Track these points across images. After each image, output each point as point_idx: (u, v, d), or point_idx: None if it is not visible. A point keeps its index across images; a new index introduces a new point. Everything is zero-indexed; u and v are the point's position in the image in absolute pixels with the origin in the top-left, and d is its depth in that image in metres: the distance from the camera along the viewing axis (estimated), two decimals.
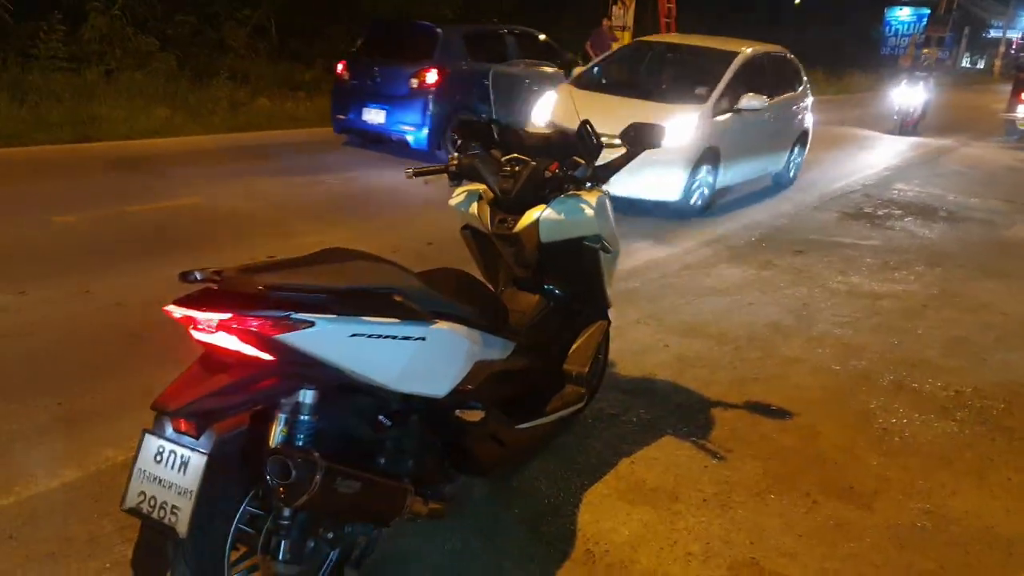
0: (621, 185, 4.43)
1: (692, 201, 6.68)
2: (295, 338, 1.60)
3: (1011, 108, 14.36)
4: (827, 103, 18.66)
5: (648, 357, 3.77)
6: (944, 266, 5.66)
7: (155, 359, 3.33)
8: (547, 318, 2.68)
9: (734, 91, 6.92)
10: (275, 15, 15.09)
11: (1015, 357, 4.01)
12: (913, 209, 7.69)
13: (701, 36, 8.41)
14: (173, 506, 1.60)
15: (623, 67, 8.53)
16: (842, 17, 37.37)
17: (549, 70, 9.69)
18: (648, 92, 7.17)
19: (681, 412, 3.25)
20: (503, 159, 2.71)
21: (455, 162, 2.69)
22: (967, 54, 52.26)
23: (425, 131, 8.54)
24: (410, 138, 8.63)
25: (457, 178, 2.73)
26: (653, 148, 2.75)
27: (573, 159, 2.65)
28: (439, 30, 8.95)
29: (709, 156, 6.76)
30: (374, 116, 8.85)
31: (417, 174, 2.82)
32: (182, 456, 1.61)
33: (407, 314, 1.83)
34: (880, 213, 7.44)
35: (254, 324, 1.57)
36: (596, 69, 8.19)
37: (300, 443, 1.72)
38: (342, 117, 9.25)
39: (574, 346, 2.80)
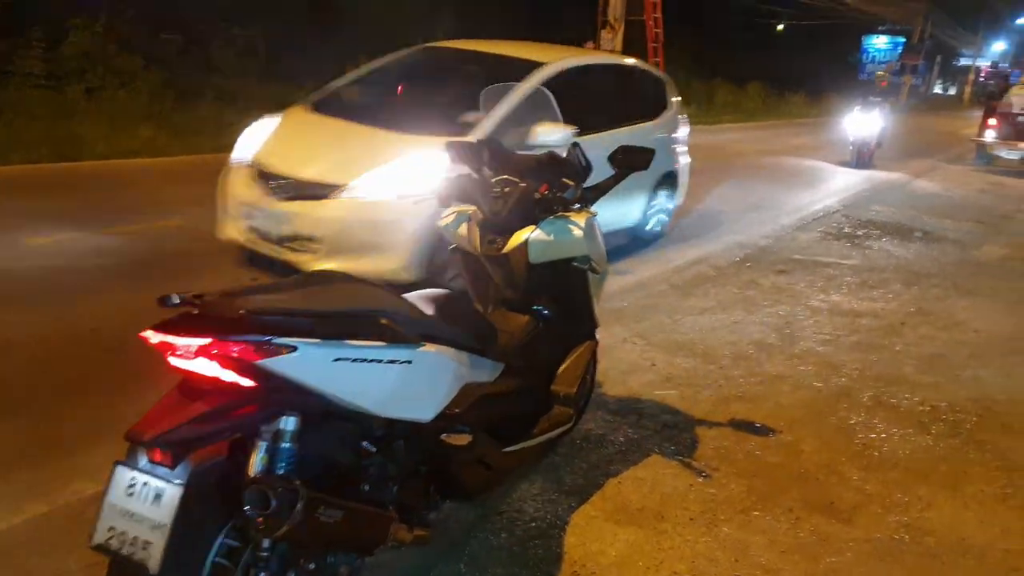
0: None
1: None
2: (277, 363, 1.56)
3: (981, 133, 14.68)
4: (801, 125, 18.96)
5: (635, 376, 3.82)
6: (920, 285, 5.77)
7: (130, 387, 3.31)
8: (536, 339, 2.68)
9: (523, 118, 4.86)
10: (265, 35, 15.13)
11: (986, 373, 4.10)
12: (889, 229, 7.84)
13: (513, 42, 6.20)
14: (145, 541, 1.53)
15: (387, 83, 6.36)
16: (822, 44, 38.04)
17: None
18: (394, 118, 4.87)
19: (667, 431, 3.29)
20: (493, 180, 2.75)
21: (445, 183, 2.72)
22: (939, 81, 53.33)
23: None
24: None
25: (447, 199, 2.75)
26: (642, 170, 2.81)
27: (562, 181, 2.68)
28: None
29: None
30: None
31: (405, 197, 2.84)
32: (156, 488, 1.55)
33: (393, 337, 1.79)
34: (859, 233, 7.58)
35: (235, 349, 1.53)
36: (351, 84, 6.23)
37: (281, 471, 1.66)
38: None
39: (562, 367, 2.80)
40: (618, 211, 5.95)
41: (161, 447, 1.53)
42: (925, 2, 38.82)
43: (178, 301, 1.51)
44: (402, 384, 1.83)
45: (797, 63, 30.72)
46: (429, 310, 2.07)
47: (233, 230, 4.86)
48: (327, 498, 1.70)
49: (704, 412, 3.48)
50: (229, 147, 4.94)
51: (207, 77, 13.56)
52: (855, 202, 9.37)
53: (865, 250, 6.89)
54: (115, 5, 12.20)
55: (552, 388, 2.75)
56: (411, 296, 2.23)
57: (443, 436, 2.22)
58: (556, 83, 5.17)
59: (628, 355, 4.08)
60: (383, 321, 1.78)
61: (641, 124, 6.15)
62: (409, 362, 1.84)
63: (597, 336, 3.03)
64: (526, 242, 2.60)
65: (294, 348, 1.59)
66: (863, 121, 12.81)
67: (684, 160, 6.90)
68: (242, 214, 4.73)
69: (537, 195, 2.62)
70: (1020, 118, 13.63)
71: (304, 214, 4.31)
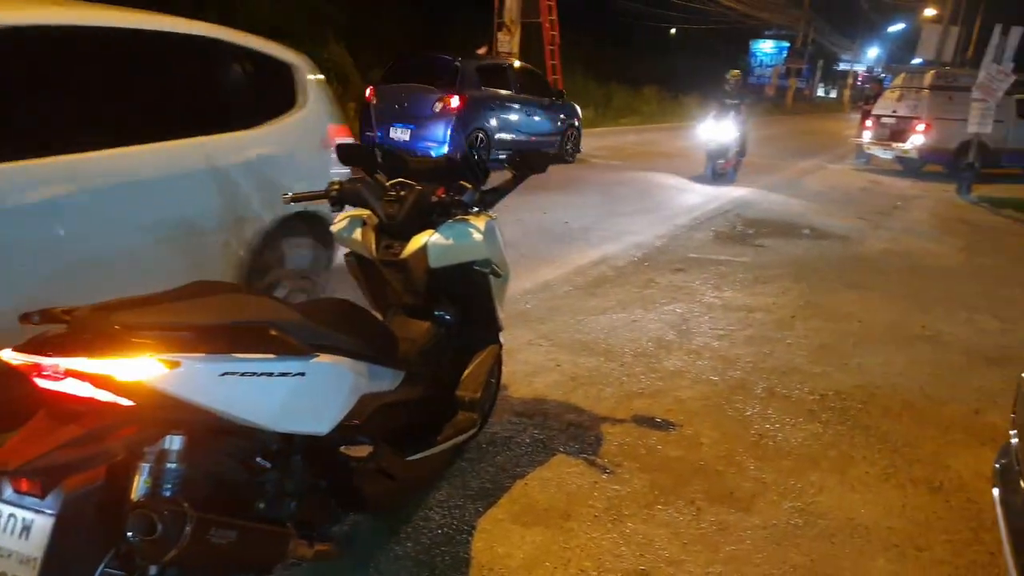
0: None
1: None
2: (159, 381, 1.47)
3: (860, 134, 15.59)
4: (693, 128, 19.52)
5: (540, 377, 3.85)
6: (809, 280, 6.05)
7: None
8: (438, 345, 2.65)
9: None
10: None
11: (870, 361, 4.33)
12: (779, 228, 8.19)
13: None
14: None
15: None
16: (714, 48, 39.50)
17: (545, 100, 12.32)
18: None
19: (572, 430, 3.32)
20: (388, 184, 2.70)
21: (337, 186, 2.64)
22: (821, 84, 56.28)
23: (446, 147, 9.92)
24: (434, 153, 9.79)
25: (339, 203, 2.66)
26: (540, 173, 2.82)
27: (459, 184, 2.67)
28: (458, 63, 10.64)
29: None
30: (400, 134, 10.30)
31: (296, 199, 2.75)
32: (24, 519, 1.45)
33: (284, 349, 1.71)
34: (750, 231, 7.89)
35: (110, 368, 1.43)
36: None
37: (167, 494, 1.58)
38: (370, 134, 10.49)
39: (466, 372, 2.78)
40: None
41: (28, 476, 1.42)
42: (807, 9, 40.89)
43: (44, 318, 1.44)
44: (295, 397, 1.76)
45: (690, 66, 31.82)
46: (324, 319, 2.00)
47: None
48: (218, 518, 1.62)
49: (607, 409, 3.53)
50: None
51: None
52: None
53: (756, 248, 7.18)
54: None
55: (456, 393, 2.73)
56: (305, 305, 2.17)
57: (342, 448, 2.17)
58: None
59: (533, 357, 4.10)
60: (273, 332, 1.70)
61: (206, 137, 3.44)
62: (302, 374, 1.77)
63: (501, 339, 3.03)
64: (425, 246, 2.56)
65: (177, 364, 1.50)
66: (718, 129, 11.34)
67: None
68: None
69: (434, 198, 2.59)
70: (890, 120, 14.52)
71: None
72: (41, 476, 1.43)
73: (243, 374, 1.62)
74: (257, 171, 3.62)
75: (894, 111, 14.51)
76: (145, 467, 1.58)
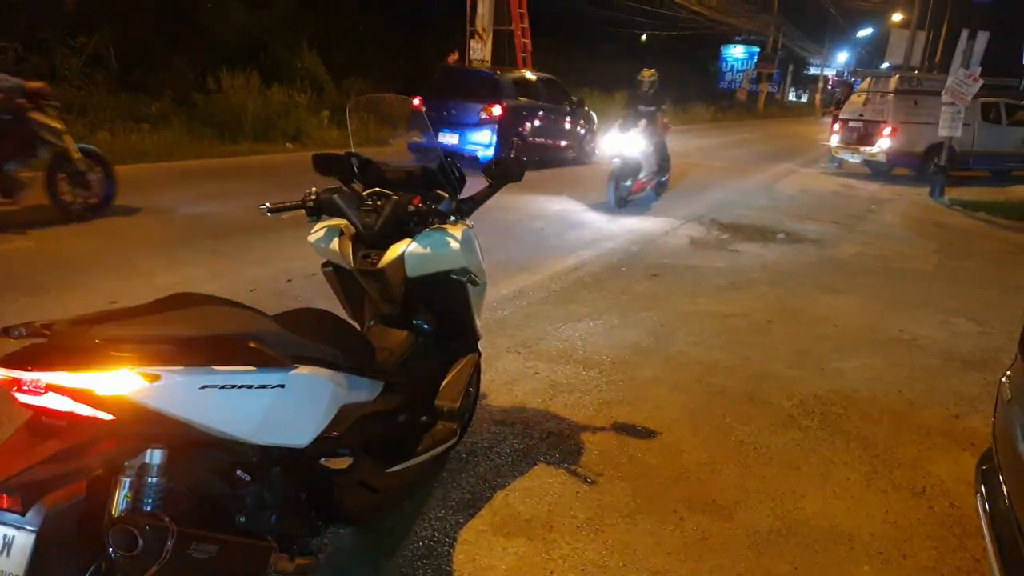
0: None
1: None
2: (139, 394, 1.47)
3: (830, 138, 15.79)
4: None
5: (519, 386, 3.81)
6: (784, 284, 6.08)
7: None
8: (416, 354, 2.63)
9: None
10: (114, 44, 14.32)
11: (848, 365, 4.35)
12: (754, 233, 8.24)
13: None
14: None
15: None
16: (684, 53, 39.78)
17: (566, 107, 13.79)
18: None
19: (552, 439, 3.30)
20: (364, 193, 2.68)
21: (313, 197, 2.62)
22: (792, 89, 57.01)
23: (492, 150, 11.55)
24: (480, 154, 11.39)
25: (315, 213, 2.64)
26: (516, 181, 2.80)
27: (436, 192, 2.65)
28: (498, 77, 12.50)
29: None
30: (448, 139, 11.62)
31: (273, 210, 2.72)
32: (5, 536, 1.43)
33: (263, 361, 1.71)
34: (725, 236, 7.93)
35: (90, 382, 1.43)
36: None
37: (148, 508, 1.57)
38: (417, 140, 11.02)
39: (445, 381, 2.76)
40: None
41: (8, 492, 1.41)
42: (776, 15, 41.40)
43: (25, 332, 1.42)
44: (275, 409, 1.75)
45: (662, 72, 31.98)
46: (302, 330, 1.97)
47: None
48: (199, 533, 1.61)
49: (587, 418, 3.51)
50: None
51: (52, 87, 12.68)
52: None
53: (732, 253, 7.21)
54: None
55: (435, 403, 2.71)
56: (282, 316, 2.13)
57: (322, 460, 2.15)
58: None
59: (511, 365, 4.07)
60: (252, 344, 1.70)
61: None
62: (281, 386, 1.76)
63: (480, 348, 3.00)
64: (402, 256, 2.54)
65: (157, 377, 1.50)
66: (623, 143, 9.13)
67: None
68: None
69: (411, 208, 2.57)
70: (857, 124, 14.71)
71: None
72: (22, 492, 1.42)
73: (223, 387, 1.62)
74: None
75: (860, 115, 14.70)
76: (126, 481, 1.57)
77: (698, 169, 13.92)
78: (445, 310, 2.77)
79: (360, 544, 2.51)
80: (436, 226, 2.62)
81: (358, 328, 2.75)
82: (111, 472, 1.57)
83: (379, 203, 2.60)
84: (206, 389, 1.59)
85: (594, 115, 14.80)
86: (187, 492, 1.72)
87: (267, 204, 2.72)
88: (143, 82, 14.70)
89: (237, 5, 18.02)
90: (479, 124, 11.67)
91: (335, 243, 2.64)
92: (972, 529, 2.75)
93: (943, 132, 11.53)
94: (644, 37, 39.52)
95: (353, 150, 2.76)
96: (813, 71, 58.40)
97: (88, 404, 1.46)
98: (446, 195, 2.65)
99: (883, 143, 13.98)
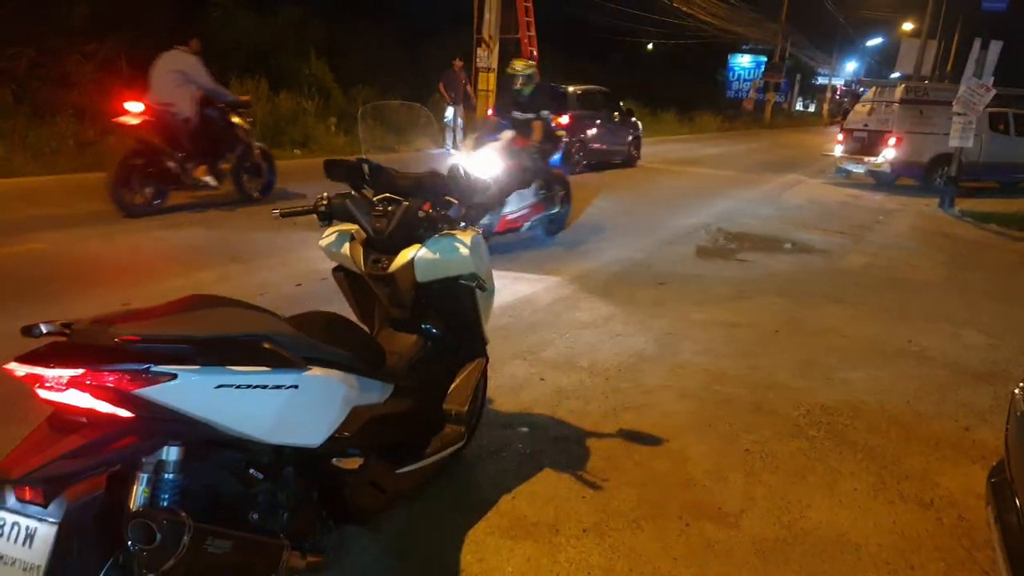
0: None
1: None
2: (156, 392, 1.52)
3: (834, 148, 15.74)
4: (672, 142, 19.78)
5: (525, 392, 3.83)
6: (792, 294, 6.08)
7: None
8: (425, 358, 2.66)
9: None
10: (124, 50, 14.42)
11: (856, 375, 4.35)
12: (762, 243, 8.25)
13: None
14: None
15: None
16: (690, 63, 39.84)
17: (617, 114, 15.56)
18: None
19: (559, 444, 3.31)
20: (375, 199, 2.71)
21: (325, 202, 2.65)
22: (800, 98, 56.98)
23: (559, 154, 12.29)
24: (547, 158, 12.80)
25: (327, 218, 2.67)
26: (523, 188, 2.82)
27: (446, 199, 2.67)
28: (564, 90, 14.13)
29: None
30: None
31: (285, 214, 2.76)
32: (27, 528, 1.47)
33: (277, 362, 1.75)
34: (732, 246, 7.93)
35: (110, 379, 1.47)
36: None
37: (165, 503, 1.61)
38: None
39: (453, 385, 2.79)
40: None
41: (31, 485, 1.46)
42: (784, 24, 41.42)
43: (46, 331, 1.46)
44: (288, 409, 1.79)
45: (667, 81, 32.05)
46: (314, 332, 2.00)
47: None
48: (214, 529, 1.65)
49: (593, 424, 3.52)
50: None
51: (64, 93, 12.77)
52: None
53: (739, 263, 7.21)
54: None
55: (443, 407, 2.74)
56: (295, 319, 2.16)
57: (334, 460, 2.18)
58: None
59: (518, 371, 4.09)
60: (266, 345, 1.74)
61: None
62: (295, 387, 1.80)
63: (487, 353, 3.02)
64: (412, 261, 2.57)
65: (174, 376, 1.54)
66: (475, 164, 5.94)
67: None
68: None
69: (421, 213, 2.60)
70: (862, 134, 14.67)
71: None
72: (44, 485, 1.46)
73: (237, 386, 1.65)
74: None
75: (865, 125, 14.67)
76: (144, 477, 1.61)
77: (704, 178, 13.93)
78: (454, 315, 2.80)
79: (368, 544, 2.53)
80: (446, 232, 2.65)
81: (368, 332, 2.77)
82: (130, 468, 1.61)
83: (390, 208, 2.64)
84: (221, 388, 1.63)
85: (639, 123, 16.57)
86: (202, 489, 1.75)
87: (279, 209, 2.76)
88: None
89: (245, 13, 18.14)
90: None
91: (346, 247, 2.67)
92: (981, 541, 2.74)
93: (954, 143, 11.48)
94: (651, 46, 39.62)
95: (364, 156, 2.79)
96: (821, 81, 58.39)
97: (107, 401, 1.49)
98: (456, 201, 2.68)
99: (888, 153, 13.95)
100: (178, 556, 1.53)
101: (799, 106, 57.12)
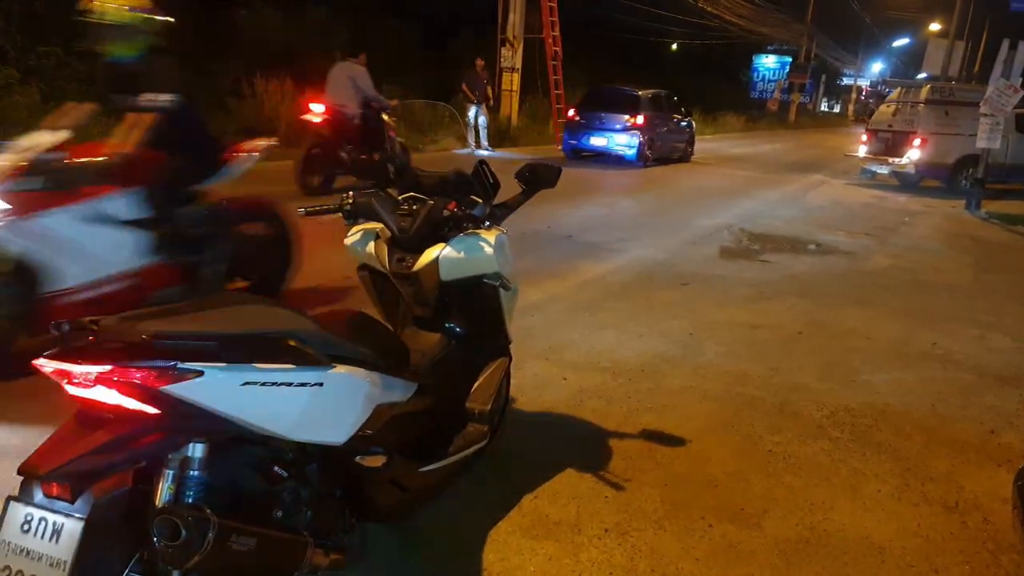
0: None
1: None
2: (183, 389, 1.52)
3: (858, 149, 15.55)
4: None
5: (548, 391, 3.84)
6: (815, 296, 6.03)
7: (22, 418, 3.13)
8: (449, 357, 2.67)
9: None
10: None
11: (879, 378, 4.31)
12: (785, 244, 8.19)
13: None
14: None
15: None
16: (715, 63, 39.60)
17: (677, 116, 17.05)
18: None
19: (581, 444, 3.31)
20: (400, 198, 2.73)
21: (350, 200, 2.67)
22: (824, 99, 56.45)
23: (635, 150, 15.02)
24: (625, 154, 15.08)
25: (352, 217, 2.69)
26: (549, 188, 2.83)
27: (470, 198, 2.69)
28: (639, 94, 15.70)
29: None
30: (597, 141, 15.31)
31: (310, 213, 2.78)
32: (55, 523, 1.48)
33: (302, 359, 1.76)
34: (755, 247, 7.89)
35: (137, 376, 1.48)
36: None
37: (190, 500, 1.62)
38: (573, 142, 15.64)
39: (476, 384, 2.80)
40: None
41: (58, 480, 1.46)
42: (809, 24, 41.07)
43: (73, 327, 1.47)
44: (313, 407, 1.79)
45: (692, 81, 31.88)
46: (339, 330, 2.02)
47: None
48: (239, 526, 1.65)
49: (616, 424, 3.52)
50: None
51: (91, 91, 12.94)
52: None
53: (762, 263, 7.17)
54: None
55: (467, 405, 2.75)
56: (320, 316, 2.18)
57: (357, 458, 2.19)
58: None
59: (540, 370, 4.10)
60: (291, 343, 1.75)
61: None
62: (320, 384, 1.80)
63: (510, 352, 3.03)
64: (437, 260, 2.58)
65: (200, 373, 1.55)
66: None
67: None
68: None
69: (446, 212, 2.61)
70: (886, 135, 14.49)
71: None
72: (71, 481, 1.46)
73: (263, 384, 1.66)
74: None
75: (890, 125, 14.48)
76: (169, 473, 1.62)
77: (728, 178, 13.86)
78: (477, 314, 2.81)
79: (391, 542, 2.54)
80: (470, 231, 2.65)
81: (392, 330, 2.79)
82: (155, 464, 1.62)
83: (414, 208, 2.65)
84: (247, 386, 1.63)
85: (693, 123, 18.12)
86: (227, 486, 1.76)
87: (305, 207, 2.78)
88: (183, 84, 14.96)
89: (272, 13, 18.29)
90: (625, 130, 15.09)
91: (371, 246, 2.69)
92: (1006, 545, 2.72)
93: (981, 144, 11.32)
94: (675, 46, 39.42)
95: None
96: (846, 81, 57.82)
97: (134, 397, 1.50)
98: (480, 201, 2.69)
99: (912, 154, 13.74)
100: (203, 553, 1.53)
101: (824, 107, 56.60)
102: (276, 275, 4.87)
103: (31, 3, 12.65)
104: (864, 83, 55.23)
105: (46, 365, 1.49)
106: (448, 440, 2.64)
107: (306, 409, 1.77)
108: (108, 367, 1.47)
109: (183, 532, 1.51)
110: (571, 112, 15.93)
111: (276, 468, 1.88)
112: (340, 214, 2.70)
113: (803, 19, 41.00)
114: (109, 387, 1.49)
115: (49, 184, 3.68)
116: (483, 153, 14.55)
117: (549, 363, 4.21)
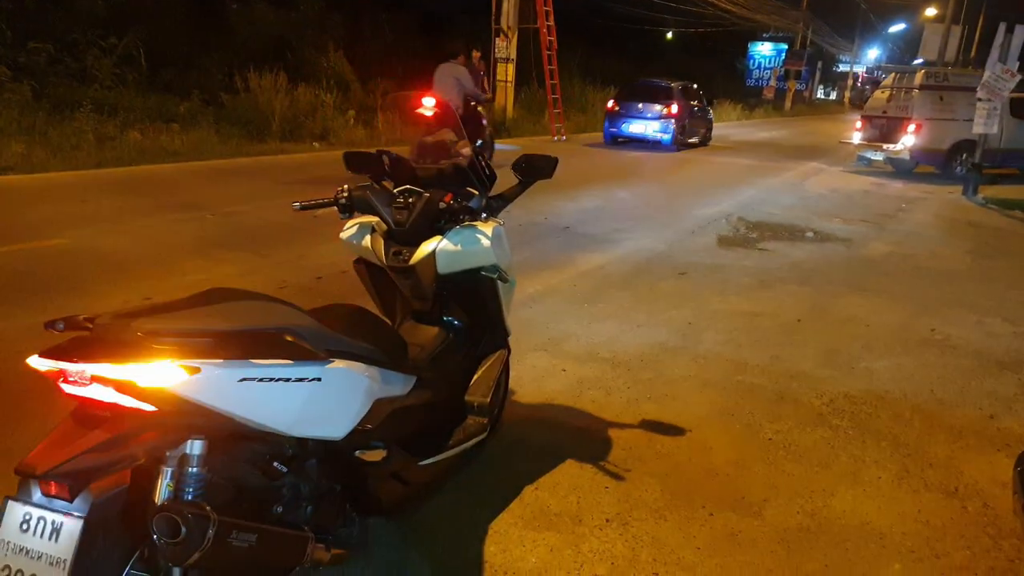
0: None
1: None
2: (180, 386, 1.51)
3: (852, 135, 15.51)
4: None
5: (547, 383, 3.83)
6: (814, 283, 6.03)
7: (18, 417, 3.12)
8: (447, 350, 2.66)
9: None
10: (143, 45, 14.54)
11: (879, 365, 4.31)
12: (783, 231, 8.18)
13: None
14: None
15: None
16: (711, 51, 39.48)
17: (699, 104, 18.99)
18: None
19: (581, 435, 3.31)
20: (396, 190, 2.71)
21: (345, 194, 2.65)
22: (821, 86, 56.34)
23: (670, 135, 17.11)
24: (661, 139, 17.14)
25: (348, 211, 2.67)
26: (546, 179, 2.81)
27: (466, 190, 2.67)
28: (672, 85, 17.76)
29: None
30: (635, 128, 17.48)
31: (305, 207, 2.75)
32: (53, 522, 1.47)
33: (300, 354, 1.75)
34: (753, 235, 7.88)
35: (133, 373, 1.47)
36: None
37: (189, 497, 1.61)
38: (613, 130, 17.76)
39: (475, 377, 2.79)
40: None
41: (56, 479, 1.45)
42: (804, 11, 40.96)
43: (67, 325, 1.46)
44: (312, 402, 1.78)
45: (688, 70, 31.82)
46: (336, 325, 2.01)
47: None
48: (239, 522, 1.64)
49: (615, 415, 3.51)
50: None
51: (83, 88, 12.89)
52: None
53: (760, 252, 7.16)
54: None
55: (466, 398, 2.73)
56: (317, 311, 2.16)
57: (357, 453, 2.18)
58: None
59: (539, 362, 4.09)
60: (289, 338, 1.73)
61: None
62: (318, 379, 1.79)
63: (509, 344, 3.02)
64: (433, 253, 2.57)
65: (197, 370, 1.53)
66: None
67: None
68: None
69: (442, 205, 2.59)
70: (880, 121, 14.45)
71: None
72: (69, 480, 1.45)
73: (261, 380, 1.64)
74: None
75: (884, 111, 14.42)
76: (168, 471, 1.60)
77: (724, 167, 13.84)
78: (475, 306, 2.80)
79: (392, 536, 2.54)
80: (467, 223, 2.63)
81: (390, 324, 2.78)
82: (154, 462, 1.60)
83: (411, 200, 2.63)
84: (245, 382, 1.62)
85: (712, 112, 20.55)
86: (226, 482, 1.75)
87: (300, 202, 2.76)
88: (172, 82, 14.92)
89: (264, 6, 18.23)
90: (661, 118, 17.18)
91: (367, 240, 2.67)
92: (1007, 530, 2.72)
93: (978, 129, 11.30)
94: (670, 35, 39.31)
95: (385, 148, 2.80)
96: (842, 68, 57.72)
97: (131, 395, 1.49)
98: (476, 193, 2.67)
99: (907, 140, 13.69)
100: (203, 550, 1.53)
101: (820, 94, 56.50)
102: None
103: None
104: (860, 69, 55.14)
105: (40, 364, 1.48)
106: (448, 433, 2.64)
107: (305, 404, 1.76)
108: (103, 365, 1.46)
109: (183, 529, 1.50)
110: (610, 103, 18.06)
111: (275, 464, 1.87)
112: (336, 207, 2.68)
113: (799, 6, 40.88)
114: (105, 385, 1.47)
115: None
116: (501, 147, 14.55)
117: (548, 354, 4.21)
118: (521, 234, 7.09)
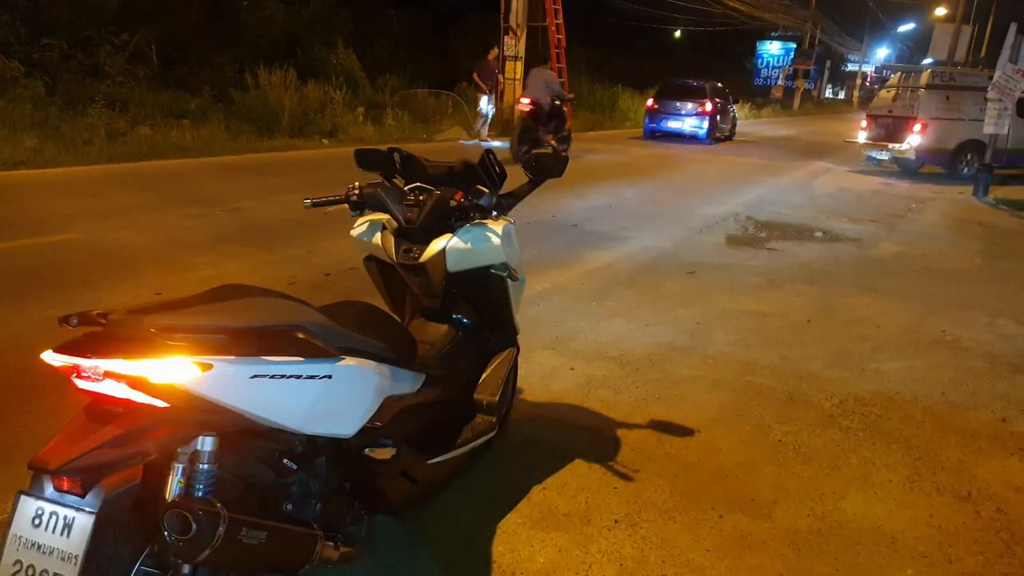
0: None
1: None
2: (192, 383, 1.51)
3: (857, 135, 15.42)
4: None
5: (555, 382, 3.82)
6: (822, 283, 6.00)
7: (30, 412, 3.13)
8: (456, 348, 2.65)
9: None
10: (155, 41, 14.59)
11: (889, 366, 4.28)
12: (791, 231, 8.15)
13: None
14: (55, 574, 1.46)
15: None
16: (719, 50, 39.36)
17: (728, 103, 21.12)
18: None
19: (589, 435, 3.30)
20: (406, 188, 2.70)
21: (356, 191, 2.65)
22: (829, 86, 56.10)
23: (705, 131, 19.04)
24: (698, 134, 19.05)
25: (358, 208, 2.65)
26: (556, 177, 2.80)
27: (477, 188, 2.66)
28: (705, 85, 19.75)
29: None
30: (674, 124, 19.46)
31: (316, 204, 2.74)
32: (65, 517, 1.48)
33: (311, 352, 1.74)
34: (762, 235, 7.84)
35: (146, 369, 1.47)
36: None
37: (200, 494, 1.61)
38: (653, 126, 19.88)
39: (484, 375, 2.78)
40: None
41: (68, 475, 1.45)
42: (813, 10, 40.79)
43: (81, 320, 1.46)
44: (322, 400, 1.78)
45: (695, 68, 31.73)
46: (347, 322, 2.00)
47: None
48: (249, 519, 1.65)
49: (624, 414, 3.50)
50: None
51: (95, 84, 12.95)
52: None
53: (769, 251, 7.13)
54: None
55: (474, 397, 2.72)
56: (327, 308, 2.16)
57: (366, 451, 2.18)
58: None
59: (548, 360, 4.08)
60: (300, 335, 1.73)
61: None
62: (329, 377, 1.79)
63: (518, 343, 3.01)
64: (443, 250, 2.56)
65: (209, 366, 1.53)
66: None
67: None
68: None
69: (452, 203, 2.58)
70: (886, 120, 14.36)
71: None
72: (81, 475, 1.46)
73: (272, 376, 1.64)
74: None
75: (890, 111, 14.33)
76: (179, 467, 1.61)
77: (732, 166, 13.79)
78: (485, 304, 2.79)
79: (400, 534, 2.53)
80: (477, 221, 2.63)
81: (399, 321, 2.77)
82: (165, 458, 1.60)
83: (421, 198, 2.62)
84: (256, 379, 1.62)
85: (736, 109, 22.39)
86: (236, 479, 1.75)
87: (311, 198, 2.75)
88: (183, 79, 14.97)
89: (274, 3, 18.26)
90: (697, 115, 19.11)
91: (377, 237, 2.67)
92: (1021, 535, 2.70)
93: (989, 129, 11.23)
94: (678, 33, 39.21)
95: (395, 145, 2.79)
96: (851, 67, 57.48)
97: (143, 391, 1.49)
98: (487, 191, 2.66)
99: (913, 139, 13.58)
100: (213, 546, 1.53)
101: (828, 93, 56.27)
102: None
103: None
104: (869, 69, 54.90)
105: (54, 359, 1.48)
106: (456, 431, 2.63)
107: (315, 401, 1.76)
108: (116, 360, 1.46)
109: (193, 526, 1.50)
110: (649, 102, 20.35)
111: (286, 461, 1.87)
112: (346, 205, 2.67)
113: (807, 4, 40.71)
114: (118, 381, 1.48)
115: None
116: (493, 144, 14.56)
117: (557, 353, 4.20)
118: (529, 232, 7.08)
